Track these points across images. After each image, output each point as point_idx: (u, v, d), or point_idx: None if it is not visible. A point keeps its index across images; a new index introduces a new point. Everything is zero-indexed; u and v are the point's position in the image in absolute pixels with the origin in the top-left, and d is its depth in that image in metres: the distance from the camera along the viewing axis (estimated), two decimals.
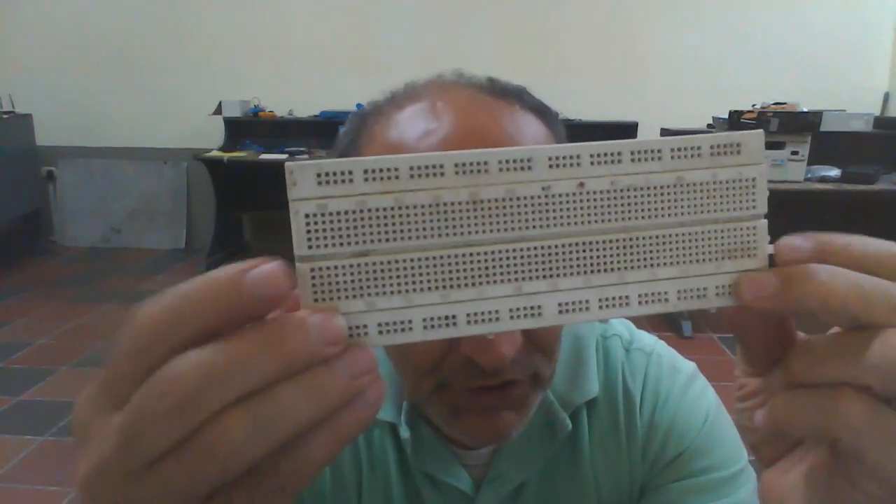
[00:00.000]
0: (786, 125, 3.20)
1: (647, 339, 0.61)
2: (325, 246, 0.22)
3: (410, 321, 0.23)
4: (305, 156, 4.24)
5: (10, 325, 3.33)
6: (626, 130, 4.32)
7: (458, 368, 0.43)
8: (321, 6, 4.54)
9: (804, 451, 0.27)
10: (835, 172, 3.28)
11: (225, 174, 4.25)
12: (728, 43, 4.39)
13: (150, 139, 4.72)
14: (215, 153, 4.24)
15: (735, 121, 3.24)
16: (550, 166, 0.23)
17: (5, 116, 4.35)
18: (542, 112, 0.49)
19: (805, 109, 3.40)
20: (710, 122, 3.90)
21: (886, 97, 4.40)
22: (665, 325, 3.22)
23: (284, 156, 4.22)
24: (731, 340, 3.08)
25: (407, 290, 0.23)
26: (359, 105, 3.82)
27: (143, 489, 0.20)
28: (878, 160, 3.42)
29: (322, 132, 4.38)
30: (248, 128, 4.53)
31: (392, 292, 0.22)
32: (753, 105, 3.54)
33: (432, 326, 0.23)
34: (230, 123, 4.44)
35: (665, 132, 3.97)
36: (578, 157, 0.23)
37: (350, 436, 0.22)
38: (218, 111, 4.40)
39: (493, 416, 0.46)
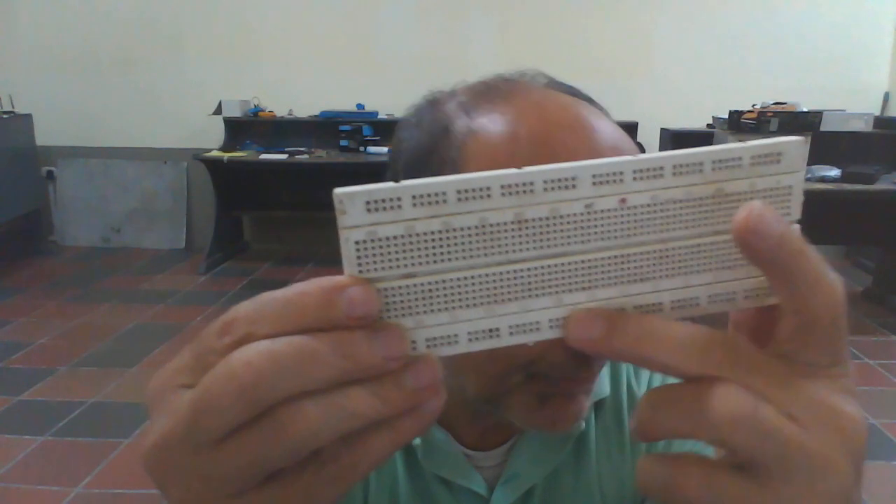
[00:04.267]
0: (786, 125, 3.20)
1: None
2: (375, 270, 0.23)
3: (456, 335, 0.24)
4: (305, 156, 4.24)
5: (10, 325, 3.33)
6: (626, 130, 4.30)
7: (559, 362, 0.43)
8: (321, 6, 4.54)
9: None
10: (835, 172, 3.29)
11: (225, 174, 4.25)
12: (728, 43, 4.39)
13: (150, 139, 4.72)
14: (215, 153, 4.24)
15: (735, 121, 3.25)
16: (594, 183, 0.23)
17: (5, 116, 4.34)
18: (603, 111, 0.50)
19: (805, 109, 3.40)
20: (710, 122, 3.90)
21: (886, 97, 4.40)
22: None
23: (284, 156, 4.22)
24: None
25: (453, 308, 0.23)
26: (359, 105, 3.81)
27: (207, 464, 0.22)
28: (878, 160, 3.42)
29: (322, 132, 4.38)
30: (248, 128, 4.53)
31: (439, 310, 0.23)
32: (753, 105, 3.54)
33: (476, 339, 0.24)
34: (230, 123, 4.44)
35: (665, 132, 3.98)
36: (622, 173, 0.23)
37: (409, 437, 0.23)
38: (218, 111, 4.40)
39: (575, 400, 0.46)
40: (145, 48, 4.60)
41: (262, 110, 4.49)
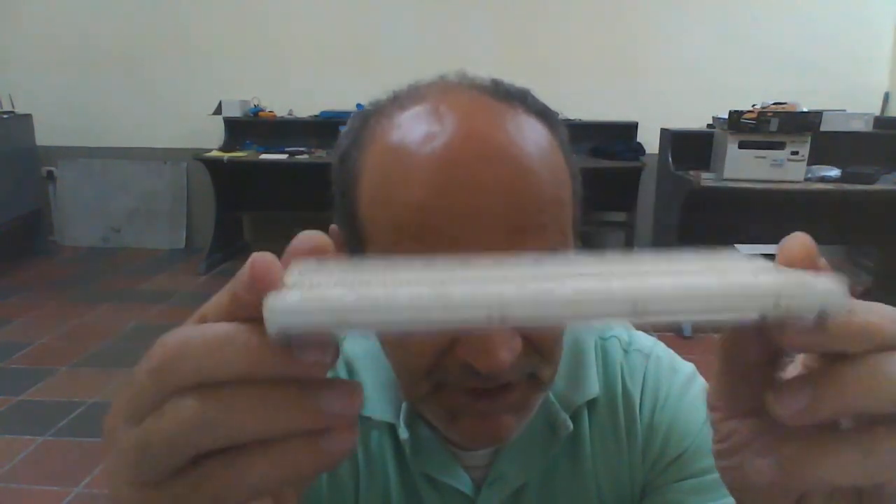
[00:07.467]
0: (786, 125, 3.20)
1: (646, 341, 0.61)
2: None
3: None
4: (305, 156, 4.23)
5: (10, 325, 3.33)
6: (626, 130, 4.31)
7: (454, 371, 0.43)
8: (321, 6, 4.54)
9: None
10: (835, 172, 3.29)
11: (225, 174, 4.25)
12: (728, 43, 4.39)
13: (150, 139, 4.72)
14: (215, 153, 4.24)
15: (735, 121, 3.24)
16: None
17: (5, 116, 4.34)
18: (545, 115, 0.48)
19: (805, 109, 3.40)
20: (710, 122, 3.90)
21: (886, 97, 4.40)
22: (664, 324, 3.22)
23: (284, 156, 4.22)
24: None
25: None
26: (359, 105, 3.82)
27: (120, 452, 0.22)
28: (878, 160, 3.42)
29: (322, 132, 4.38)
30: (248, 128, 4.53)
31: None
32: (753, 105, 3.53)
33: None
34: (230, 123, 4.44)
35: (665, 132, 3.97)
36: None
37: (300, 472, 0.20)
38: (218, 111, 4.40)
39: (491, 420, 0.46)
40: (145, 48, 4.60)
41: (262, 110, 4.49)
